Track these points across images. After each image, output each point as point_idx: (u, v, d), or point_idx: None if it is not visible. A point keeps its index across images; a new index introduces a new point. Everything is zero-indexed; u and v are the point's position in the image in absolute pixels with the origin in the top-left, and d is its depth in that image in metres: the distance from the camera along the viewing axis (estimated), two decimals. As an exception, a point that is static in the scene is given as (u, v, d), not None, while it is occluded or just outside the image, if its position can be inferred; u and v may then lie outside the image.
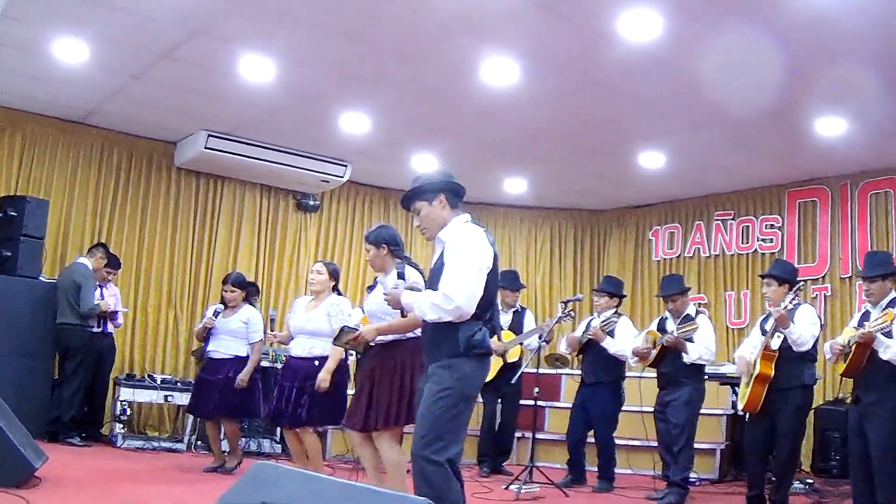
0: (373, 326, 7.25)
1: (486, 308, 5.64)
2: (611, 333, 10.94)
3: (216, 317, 10.47)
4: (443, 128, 12.34)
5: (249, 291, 10.97)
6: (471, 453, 11.43)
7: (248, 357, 10.34)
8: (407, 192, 5.99)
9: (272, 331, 9.77)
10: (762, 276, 9.43)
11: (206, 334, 10.46)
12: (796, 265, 13.46)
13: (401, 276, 6.64)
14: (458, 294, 5.43)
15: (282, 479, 3.34)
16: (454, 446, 5.47)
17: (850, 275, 13.01)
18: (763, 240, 14.55)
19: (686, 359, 9.92)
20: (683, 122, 11.63)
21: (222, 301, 10.66)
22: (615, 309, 11.28)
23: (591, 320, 11.33)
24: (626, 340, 10.91)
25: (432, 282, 5.75)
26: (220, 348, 10.36)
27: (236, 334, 10.35)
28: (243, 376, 10.13)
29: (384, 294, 6.25)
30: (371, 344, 7.28)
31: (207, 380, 10.33)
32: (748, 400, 8.88)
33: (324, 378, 8.50)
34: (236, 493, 3.49)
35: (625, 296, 11.89)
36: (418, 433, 5.45)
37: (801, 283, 9.20)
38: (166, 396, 12.27)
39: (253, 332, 10.37)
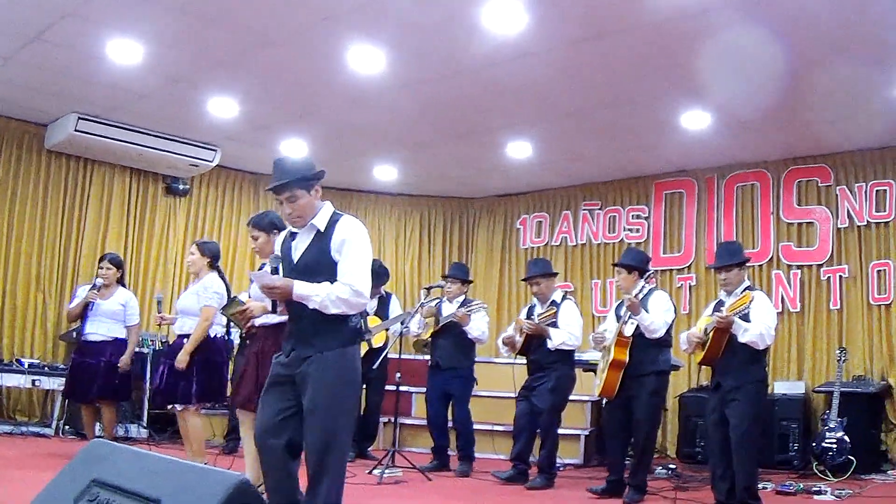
0: (262, 304, 6.89)
1: None
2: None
3: (96, 290, 10.32)
4: (311, 114, 12.38)
5: (123, 273, 10.88)
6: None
7: (126, 339, 10.35)
8: (289, 179, 5.61)
9: (159, 313, 9.78)
10: (614, 265, 9.65)
11: (83, 312, 10.30)
12: (662, 255, 13.87)
13: (275, 270, 6.56)
14: (366, 289, 5.52)
15: (113, 455, 3.41)
16: None
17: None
18: (630, 230, 14.87)
19: (550, 344, 10.07)
20: (548, 113, 11.85)
21: (97, 278, 10.53)
22: (464, 295, 11.46)
23: (439, 303, 11.45)
24: (484, 324, 11.20)
25: (307, 269, 5.61)
26: (99, 331, 10.26)
27: (115, 316, 10.30)
28: (125, 359, 10.15)
29: (267, 286, 5.72)
30: (255, 323, 7.32)
31: (86, 363, 10.17)
32: (604, 386, 9.16)
33: (181, 359, 8.56)
34: (70, 472, 3.54)
35: (471, 281, 12.12)
36: (327, 424, 5.41)
37: (652, 271, 9.43)
38: (34, 381, 12.08)
39: (130, 315, 10.39)
